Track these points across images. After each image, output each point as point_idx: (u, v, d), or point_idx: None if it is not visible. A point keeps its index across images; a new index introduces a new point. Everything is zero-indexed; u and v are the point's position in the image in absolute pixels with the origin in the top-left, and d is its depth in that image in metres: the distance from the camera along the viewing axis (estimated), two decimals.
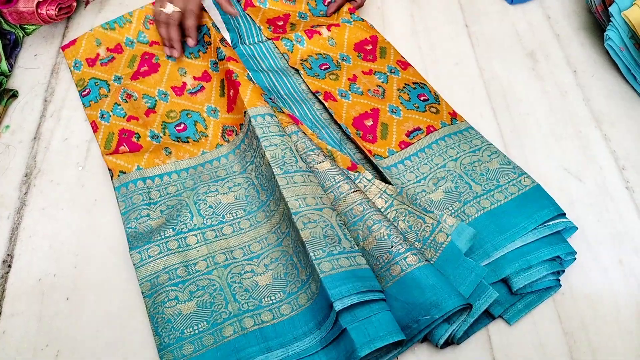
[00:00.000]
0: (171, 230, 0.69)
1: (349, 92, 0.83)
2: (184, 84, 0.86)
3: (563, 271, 0.65)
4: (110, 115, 0.82)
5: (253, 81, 0.80)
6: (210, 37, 0.87)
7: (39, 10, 0.88)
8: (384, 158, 0.75)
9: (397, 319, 0.59)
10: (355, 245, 0.63)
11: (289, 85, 0.85)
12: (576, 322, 0.64)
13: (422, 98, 0.82)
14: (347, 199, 0.67)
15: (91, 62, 0.90)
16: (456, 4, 1.01)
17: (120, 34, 0.92)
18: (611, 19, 0.83)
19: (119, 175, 0.74)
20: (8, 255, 0.71)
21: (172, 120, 0.82)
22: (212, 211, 0.71)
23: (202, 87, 0.86)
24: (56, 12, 0.89)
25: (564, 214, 0.67)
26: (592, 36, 0.93)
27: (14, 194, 0.77)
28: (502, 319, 0.64)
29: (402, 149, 0.76)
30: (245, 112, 0.75)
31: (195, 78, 0.87)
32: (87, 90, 0.86)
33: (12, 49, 0.92)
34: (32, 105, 0.87)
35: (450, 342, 0.61)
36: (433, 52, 0.92)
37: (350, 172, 0.71)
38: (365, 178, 0.71)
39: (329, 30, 0.91)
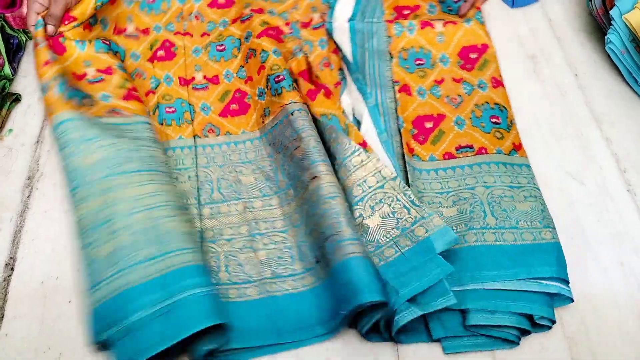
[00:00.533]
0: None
1: (428, 92, 0.83)
2: (193, 78, 0.88)
3: (529, 332, 0.62)
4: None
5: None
6: (239, 52, 0.89)
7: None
8: (422, 161, 0.75)
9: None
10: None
11: (376, 68, 0.85)
12: (576, 323, 0.64)
13: (493, 120, 0.79)
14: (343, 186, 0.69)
15: (117, 32, 0.92)
16: None
17: (151, 19, 0.94)
18: (612, 22, 0.84)
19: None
20: (11, 258, 0.71)
21: (165, 102, 0.84)
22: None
23: (207, 87, 0.87)
24: None
25: (567, 281, 0.63)
26: (593, 39, 0.93)
27: (17, 197, 0.77)
28: (439, 343, 0.62)
29: (444, 159, 0.75)
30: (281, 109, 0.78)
31: (205, 77, 0.88)
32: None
33: (15, 53, 0.92)
34: (34, 109, 0.87)
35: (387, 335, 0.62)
36: None
37: (359, 145, 0.72)
38: (366, 153, 0.71)
39: (444, 26, 0.88)
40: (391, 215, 0.66)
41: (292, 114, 0.75)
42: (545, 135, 0.81)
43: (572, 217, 0.70)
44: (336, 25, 0.90)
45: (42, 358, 0.63)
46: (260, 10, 0.92)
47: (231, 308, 0.64)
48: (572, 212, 0.72)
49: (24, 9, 0.88)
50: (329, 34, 0.90)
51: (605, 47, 0.85)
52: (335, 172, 0.70)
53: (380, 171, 0.69)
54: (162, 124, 0.81)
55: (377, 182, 0.69)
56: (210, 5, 0.95)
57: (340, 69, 0.87)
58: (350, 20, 0.90)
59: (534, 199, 0.70)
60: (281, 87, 0.79)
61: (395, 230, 0.65)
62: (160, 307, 0.58)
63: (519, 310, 0.60)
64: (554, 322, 0.61)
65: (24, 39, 0.94)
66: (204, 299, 0.60)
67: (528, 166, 0.74)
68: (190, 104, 0.84)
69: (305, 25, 0.92)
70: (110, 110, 0.78)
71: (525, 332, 0.62)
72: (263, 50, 0.85)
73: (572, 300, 0.63)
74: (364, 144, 0.72)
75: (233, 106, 0.84)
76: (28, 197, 0.77)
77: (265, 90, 0.82)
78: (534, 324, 0.61)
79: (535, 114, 0.83)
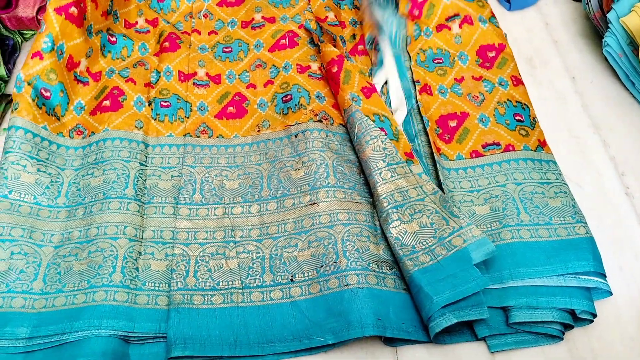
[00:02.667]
0: (101, 194, 0.72)
1: (449, 90, 0.83)
2: (195, 73, 0.87)
3: (572, 327, 0.62)
4: (115, 73, 0.85)
5: (325, 68, 0.82)
6: (245, 56, 0.89)
7: (39, 17, 0.88)
8: (450, 160, 0.75)
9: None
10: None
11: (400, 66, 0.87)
12: (578, 328, 0.64)
13: (517, 117, 0.79)
14: (380, 189, 0.69)
15: (128, 26, 0.92)
16: None
17: (162, 15, 0.94)
18: (609, 25, 0.84)
19: (91, 135, 0.79)
20: None
21: (161, 97, 0.84)
22: (146, 192, 0.74)
23: (208, 85, 0.87)
24: None
25: (604, 275, 0.63)
26: (591, 42, 0.93)
27: None
28: (485, 343, 0.63)
29: (472, 157, 0.75)
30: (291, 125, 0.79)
31: (207, 74, 0.88)
32: (114, 40, 0.88)
33: (11, 54, 0.92)
34: None
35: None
36: None
37: (405, 156, 0.72)
38: (410, 168, 0.71)
39: (460, 27, 0.89)
40: (429, 225, 0.66)
41: (295, 136, 0.76)
42: None
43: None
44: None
45: None
46: (272, 20, 0.92)
47: (193, 315, 0.63)
48: None
49: (20, 10, 0.87)
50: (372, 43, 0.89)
51: (603, 50, 0.85)
52: (375, 174, 0.70)
53: (422, 186, 0.69)
54: (155, 119, 0.82)
55: (418, 194, 0.69)
56: (219, 4, 0.95)
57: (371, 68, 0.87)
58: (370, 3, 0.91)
59: (565, 195, 0.70)
60: (287, 108, 0.80)
61: (432, 239, 0.65)
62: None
63: (561, 306, 0.61)
64: (595, 315, 0.62)
65: (20, 40, 0.93)
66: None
67: (555, 162, 0.75)
68: (187, 101, 0.84)
69: (322, 20, 0.92)
70: (74, 128, 0.79)
71: (567, 327, 0.62)
72: (274, 65, 0.86)
73: (611, 294, 0.64)
74: (410, 155, 0.72)
75: (230, 109, 0.84)
76: None
77: (269, 104, 0.83)
78: (575, 319, 0.62)
79: None
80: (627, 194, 0.75)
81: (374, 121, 0.74)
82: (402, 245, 0.65)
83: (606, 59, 0.87)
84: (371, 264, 0.65)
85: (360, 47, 0.90)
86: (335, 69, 0.80)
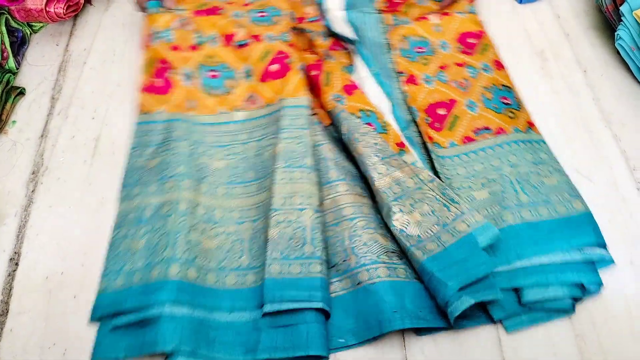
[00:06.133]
0: (157, 176, 0.72)
1: (434, 78, 0.83)
2: (234, 33, 0.87)
3: (582, 298, 0.64)
4: (159, 38, 0.84)
5: (305, 73, 0.82)
6: (278, 19, 0.88)
7: (47, 8, 0.88)
8: (443, 148, 0.75)
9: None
10: (319, 251, 0.64)
11: (378, 62, 0.87)
12: (586, 322, 0.63)
13: (504, 100, 0.80)
14: (377, 183, 0.69)
15: None
16: None
17: None
18: (622, 18, 0.83)
19: (142, 114, 0.80)
20: (15, 253, 0.71)
21: (209, 64, 0.84)
22: (199, 168, 0.74)
23: (248, 44, 0.86)
24: (64, 10, 0.89)
25: (605, 246, 0.65)
26: (603, 35, 0.92)
27: (21, 192, 0.76)
28: (502, 324, 0.63)
29: (465, 143, 0.76)
30: (281, 99, 0.78)
31: (248, 33, 0.87)
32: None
33: (20, 46, 0.92)
34: (39, 102, 0.87)
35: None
36: None
37: (397, 147, 0.72)
38: (403, 159, 0.71)
39: (440, 19, 0.90)
40: (431, 213, 0.66)
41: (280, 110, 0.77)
42: (554, 133, 0.80)
43: None
44: (331, 17, 0.90)
45: (47, 353, 0.63)
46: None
47: (168, 286, 0.61)
48: None
49: (29, 2, 0.87)
50: (329, 29, 0.89)
51: (615, 44, 0.84)
52: (370, 170, 0.70)
53: (417, 175, 0.69)
54: (204, 92, 0.82)
55: (415, 184, 0.69)
56: None
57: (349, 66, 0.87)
58: (345, 9, 0.92)
59: (558, 172, 0.71)
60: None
61: (435, 226, 0.65)
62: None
63: (570, 280, 0.63)
64: (601, 284, 0.64)
65: (28, 32, 0.94)
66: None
67: (544, 142, 0.76)
68: (233, 68, 0.84)
69: (301, 19, 0.92)
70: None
71: (577, 299, 0.64)
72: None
73: (614, 262, 0.66)
74: (401, 145, 0.73)
75: (274, 67, 0.83)
76: (32, 191, 0.77)
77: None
78: (583, 291, 0.64)
79: (543, 111, 0.82)
80: (638, 189, 0.74)
81: (360, 117, 0.74)
82: (408, 236, 0.65)
83: (618, 53, 0.86)
84: (381, 256, 0.65)
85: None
86: (314, 73, 0.81)
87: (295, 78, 0.80)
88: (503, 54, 0.90)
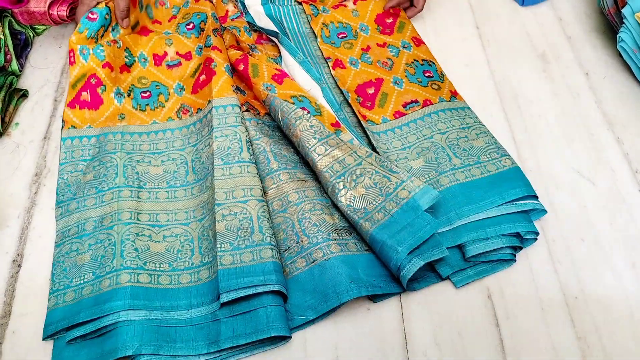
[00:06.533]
0: (94, 189, 0.73)
1: (359, 60, 0.88)
2: (165, 53, 0.89)
3: (521, 248, 0.68)
4: (89, 54, 0.83)
5: (229, 73, 0.83)
6: (205, 25, 0.90)
7: (50, 11, 0.88)
8: (377, 124, 0.79)
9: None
10: (268, 237, 0.65)
11: (305, 50, 0.91)
12: (589, 326, 0.63)
13: (427, 74, 0.85)
14: (319, 164, 0.71)
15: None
16: (467, 5, 1.00)
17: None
18: (624, 21, 0.83)
19: (69, 128, 0.80)
20: (18, 254, 0.71)
21: (141, 86, 0.86)
22: (137, 177, 0.75)
23: (180, 63, 0.88)
24: (67, 13, 0.89)
25: (536, 197, 0.69)
26: (604, 38, 0.92)
27: (24, 194, 0.77)
28: (451, 282, 0.66)
29: (396, 118, 0.80)
30: (209, 101, 0.79)
31: (177, 53, 0.89)
32: (96, 16, 0.84)
33: (23, 48, 0.92)
34: (42, 105, 0.87)
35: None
36: (443, 54, 0.91)
37: (332, 127, 0.74)
38: (340, 138, 0.73)
39: (354, 4, 0.96)
40: (373, 185, 0.69)
41: (211, 112, 0.78)
42: (556, 136, 0.80)
43: (584, 219, 0.70)
44: (252, 12, 0.93)
45: (50, 355, 0.63)
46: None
47: (120, 294, 0.62)
48: (584, 214, 0.71)
49: (32, 5, 0.87)
50: (251, 24, 0.92)
51: (617, 46, 0.85)
52: (310, 152, 0.72)
53: (355, 151, 0.72)
54: (136, 109, 0.83)
55: (355, 160, 0.71)
56: None
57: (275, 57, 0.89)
58: (263, 4, 0.95)
59: (485, 135, 0.77)
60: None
61: (380, 197, 0.67)
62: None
63: (508, 232, 0.67)
64: (537, 234, 0.68)
65: (32, 35, 0.94)
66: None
67: (469, 108, 0.81)
68: (164, 85, 0.86)
69: (224, 18, 0.95)
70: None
71: (517, 249, 0.68)
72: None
73: (546, 212, 0.70)
74: (337, 124, 0.75)
75: (202, 77, 0.85)
76: (35, 193, 0.77)
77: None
78: (521, 240, 0.68)
79: (545, 114, 0.83)
80: None
81: (293, 103, 0.76)
82: (355, 210, 0.67)
83: (620, 55, 0.86)
84: (331, 234, 0.67)
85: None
86: (241, 67, 0.83)
87: (220, 80, 0.81)
88: (504, 56, 0.90)
